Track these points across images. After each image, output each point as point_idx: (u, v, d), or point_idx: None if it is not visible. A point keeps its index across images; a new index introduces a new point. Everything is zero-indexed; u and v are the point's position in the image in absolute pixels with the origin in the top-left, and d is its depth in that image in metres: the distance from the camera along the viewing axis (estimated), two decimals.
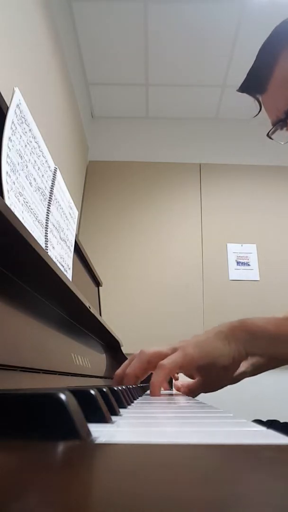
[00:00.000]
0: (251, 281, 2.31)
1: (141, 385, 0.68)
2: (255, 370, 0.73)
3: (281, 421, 0.81)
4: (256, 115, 0.74)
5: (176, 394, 0.75)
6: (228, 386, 0.66)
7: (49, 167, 0.69)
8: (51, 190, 0.69)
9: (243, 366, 0.69)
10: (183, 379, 0.76)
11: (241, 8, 2.01)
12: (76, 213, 0.90)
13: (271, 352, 0.59)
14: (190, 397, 0.65)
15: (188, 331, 2.15)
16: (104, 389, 0.26)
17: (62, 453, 0.12)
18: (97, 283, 1.38)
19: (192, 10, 2.03)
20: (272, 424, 0.78)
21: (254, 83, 0.69)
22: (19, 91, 0.55)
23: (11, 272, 0.44)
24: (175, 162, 2.66)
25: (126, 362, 0.63)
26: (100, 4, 2.01)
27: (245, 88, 0.70)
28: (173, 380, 0.88)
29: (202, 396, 0.66)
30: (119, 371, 0.62)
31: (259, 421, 0.80)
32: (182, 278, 2.31)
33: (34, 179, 0.61)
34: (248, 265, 2.35)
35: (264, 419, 0.83)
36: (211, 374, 0.60)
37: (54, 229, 0.71)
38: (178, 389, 0.77)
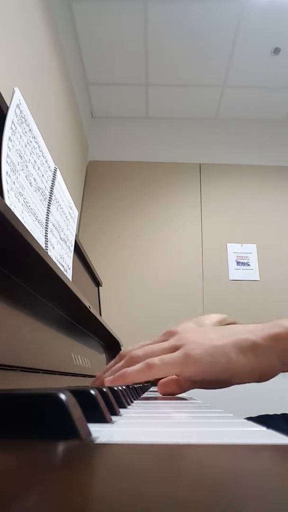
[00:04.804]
0: (251, 281, 2.31)
1: (141, 385, 0.68)
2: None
3: None
4: None
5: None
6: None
7: (49, 167, 0.69)
8: (51, 190, 0.69)
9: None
10: None
11: (241, 8, 2.01)
12: (76, 213, 0.90)
13: None
14: (191, 398, 0.64)
15: None
16: (104, 389, 0.26)
17: (62, 453, 0.12)
18: (97, 283, 1.38)
19: (192, 10, 2.03)
20: (276, 419, 0.77)
21: None
22: (19, 91, 0.55)
23: (11, 272, 0.44)
24: (175, 162, 2.66)
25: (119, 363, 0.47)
26: (100, 4, 2.01)
27: None
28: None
29: (201, 397, 0.65)
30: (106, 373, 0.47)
31: (266, 416, 0.79)
32: (182, 278, 2.31)
33: (34, 179, 0.61)
34: (248, 265, 2.35)
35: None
36: (214, 387, 0.45)
37: (54, 229, 0.71)
38: (165, 387, 0.49)
